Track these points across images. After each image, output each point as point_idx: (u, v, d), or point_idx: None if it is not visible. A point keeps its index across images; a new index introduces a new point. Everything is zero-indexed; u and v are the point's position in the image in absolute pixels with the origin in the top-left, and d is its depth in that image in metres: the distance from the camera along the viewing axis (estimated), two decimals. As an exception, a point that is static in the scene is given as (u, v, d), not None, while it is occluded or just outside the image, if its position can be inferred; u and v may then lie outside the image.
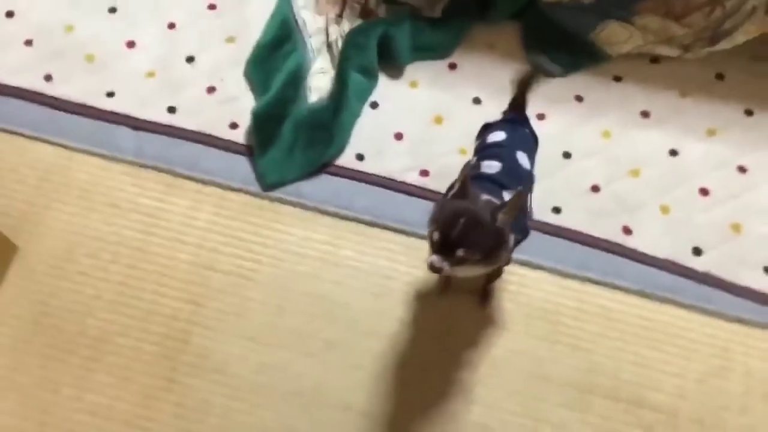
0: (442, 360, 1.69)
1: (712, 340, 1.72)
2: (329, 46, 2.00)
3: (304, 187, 1.86)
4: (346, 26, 1.99)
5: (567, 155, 1.91)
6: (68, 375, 1.65)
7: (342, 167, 1.88)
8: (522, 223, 1.45)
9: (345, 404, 1.64)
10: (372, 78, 1.98)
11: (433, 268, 1.26)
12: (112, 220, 1.82)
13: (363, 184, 1.86)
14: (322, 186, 1.86)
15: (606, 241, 1.81)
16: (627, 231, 1.82)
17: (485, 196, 1.34)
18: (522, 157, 1.51)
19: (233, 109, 1.95)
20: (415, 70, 2.03)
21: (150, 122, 1.93)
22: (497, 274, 1.67)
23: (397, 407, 1.64)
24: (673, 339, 1.73)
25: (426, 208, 1.80)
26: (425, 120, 1.95)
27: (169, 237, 1.80)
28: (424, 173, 1.88)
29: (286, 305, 1.74)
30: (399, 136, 1.93)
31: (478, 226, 1.27)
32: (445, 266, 1.26)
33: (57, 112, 1.94)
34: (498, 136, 1.54)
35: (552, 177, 1.86)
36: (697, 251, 1.80)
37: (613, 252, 1.80)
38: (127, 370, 1.66)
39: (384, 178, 1.87)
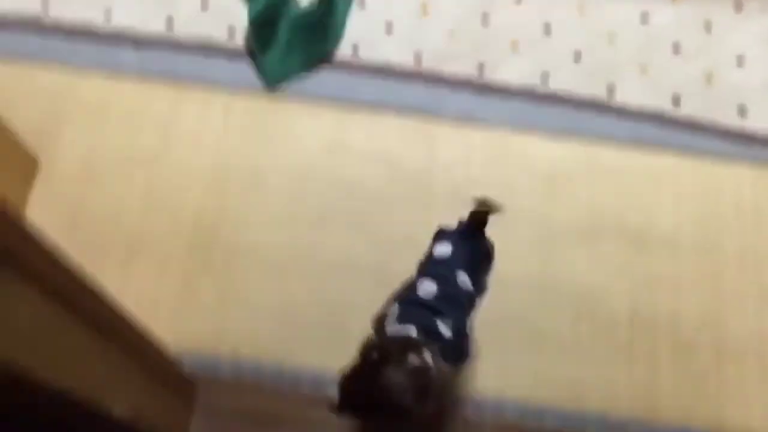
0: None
1: (701, 177, 1.88)
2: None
3: (306, 83, 1.95)
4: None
5: (547, 31, 2.04)
6: (109, 273, 1.71)
7: (340, 61, 1.98)
8: (465, 349, 1.44)
9: (376, 268, 1.75)
10: (357, -23, 2.08)
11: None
12: (127, 132, 1.89)
13: (362, 74, 1.96)
14: (323, 80, 1.96)
15: (593, 100, 1.95)
16: (611, 90, 1.96)
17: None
18: (463, 278, 1.44)
19: (228, 19, 2.02)
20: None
21: (150, 37, 1.99)
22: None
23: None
24: (665, 181, 1.88)
25: (422, 90, 1.94)
26: (413, 10, 2.06)
27: (184, 142, 1.88)
28: (417, 57, 1.98)
29: (305, 191, 1.84)
30: (389, 28, 2.03)
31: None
32: None
33: (57, 36, 1.98)
34: (444, 250, 1.48)
35: (536, 49, 2.00)
36: (676, 102, 1.95)
37: (600, 110, 1.94)
38: (163, 263, 1.75)
39: (380, 66, 1.97)
